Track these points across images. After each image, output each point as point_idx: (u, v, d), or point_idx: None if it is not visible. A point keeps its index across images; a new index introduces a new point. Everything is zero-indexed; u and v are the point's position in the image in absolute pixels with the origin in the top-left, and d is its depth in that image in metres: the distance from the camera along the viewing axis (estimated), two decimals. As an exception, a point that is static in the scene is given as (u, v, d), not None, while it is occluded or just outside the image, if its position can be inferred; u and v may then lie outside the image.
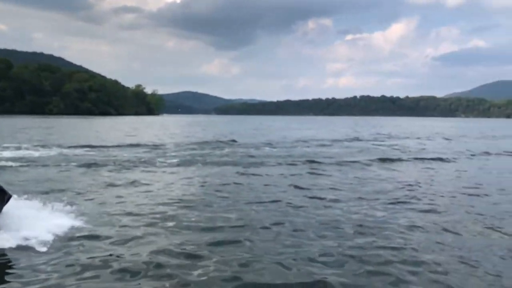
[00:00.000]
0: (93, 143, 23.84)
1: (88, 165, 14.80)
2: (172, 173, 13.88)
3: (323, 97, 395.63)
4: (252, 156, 18.97)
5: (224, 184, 11.59)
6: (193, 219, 7.84)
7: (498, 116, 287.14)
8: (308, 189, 11.07)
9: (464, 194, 10.59)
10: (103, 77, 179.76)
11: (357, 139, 33.48)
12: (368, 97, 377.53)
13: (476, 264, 5.76)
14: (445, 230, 7.37)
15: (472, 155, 20.96)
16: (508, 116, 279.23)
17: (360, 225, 7.57)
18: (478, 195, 10.41)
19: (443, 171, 15.32)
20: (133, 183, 11.53)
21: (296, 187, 11.30)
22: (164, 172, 14.02)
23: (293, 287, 5.03)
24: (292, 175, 13.57)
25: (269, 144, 25.96)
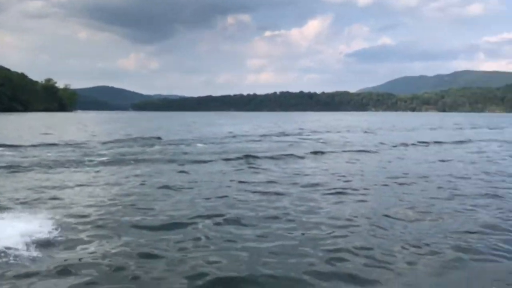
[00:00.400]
0: (7, 142, 21.89)
1: (9, 167, 13.61)
2: (106, 172, 13.26)
3: (245, 92, 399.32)
4: (186, 153, 18.73)
5: (164, 182, 11.33)
6: (141, 218, 7.64)
7: (404, 109, 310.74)
8: (251, 183, 11.24)
9: (394, 183, 11.45)
10: (7, 70, 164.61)
11: (283, 134, 34.45)
12: (288, 92, 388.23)
13: (419, 244, 6.33)
14: (386, 216, 7.94)
15: (393, 146, 22.64)
16: (413, 110, 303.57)
17: (309, 216, 7.90)
18: (406, 184, 11.32)
19: (370, 162, 16.41)
20: (68, 184, 10.85)
21: (240, 182, 11.43)
22: (97, 172, 13.33)
23: (259, 279, 5.12)
24: (232, 170, 13.67)
25: (200, 141, 25.76)
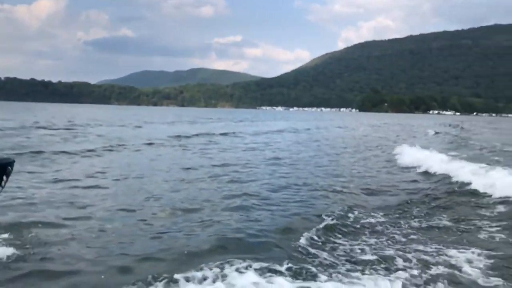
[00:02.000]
0: None
1: None
2: None
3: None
4: None
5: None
6: None
7: (147, 104, 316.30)
8: (62, 180, 10.73)
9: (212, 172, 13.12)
10: None
11: (43, 127, 31.03)
12: (16, 79, 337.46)
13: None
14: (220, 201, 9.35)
15: (177, 140, 24.01)
16: (154, 104, 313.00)
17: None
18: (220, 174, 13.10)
19: (171, 154, 17.53)
20: None
21: (56, 180, 10.72)
22: None
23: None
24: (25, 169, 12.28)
25: None
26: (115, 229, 6.82)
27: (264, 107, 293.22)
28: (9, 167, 4.56)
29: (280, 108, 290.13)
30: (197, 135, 27.60)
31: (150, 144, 20.59)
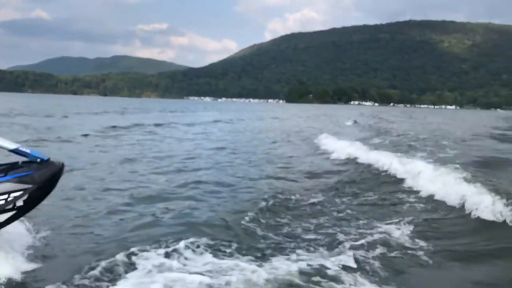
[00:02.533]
0: None
1: None
2: None
3: None
4: None
5: None
6: None
7: (65, 92, 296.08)
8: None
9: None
10: None
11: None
12: None
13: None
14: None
15: (114, 130, 23.74)
16: (74, 93, 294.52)
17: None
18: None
19: (111, 146, 17.27)
20: None
21: None
22: None
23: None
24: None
25: None
26: (76, 218, 7.02)
27: (191, 98, 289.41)
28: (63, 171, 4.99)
29: (208, 99, 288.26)
30: (131, 126, 27.13)
31: (85, 135, 20.01)
